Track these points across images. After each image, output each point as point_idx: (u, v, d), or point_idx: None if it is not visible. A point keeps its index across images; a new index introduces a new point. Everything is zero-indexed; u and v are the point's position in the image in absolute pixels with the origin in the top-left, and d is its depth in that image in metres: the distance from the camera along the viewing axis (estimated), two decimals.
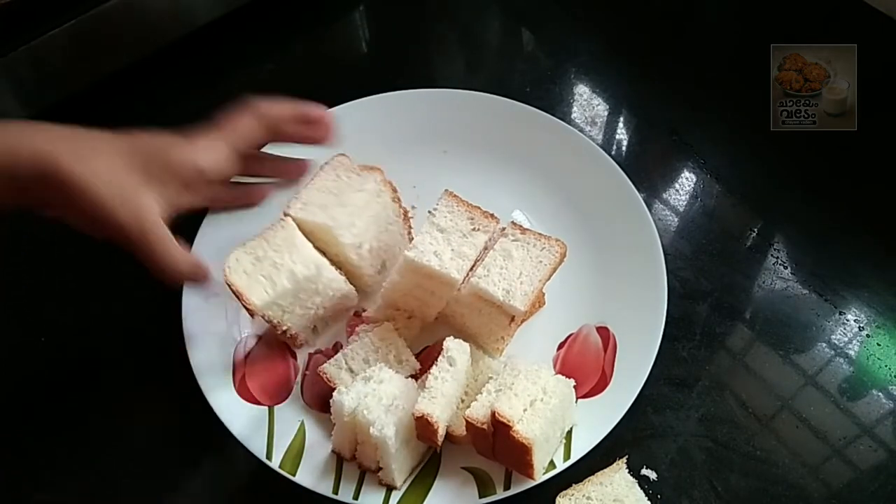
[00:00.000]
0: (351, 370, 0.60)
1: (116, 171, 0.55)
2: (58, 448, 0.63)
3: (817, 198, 0.79)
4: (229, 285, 0.60)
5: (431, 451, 0.59)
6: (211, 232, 0.70)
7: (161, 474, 0.61)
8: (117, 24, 0.77)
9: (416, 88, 0.83)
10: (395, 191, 0.72)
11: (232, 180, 0.68)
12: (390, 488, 0.57)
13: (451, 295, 0.62)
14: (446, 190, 0.65)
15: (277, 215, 0.65)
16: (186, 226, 0.70)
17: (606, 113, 0.87)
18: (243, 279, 0.60)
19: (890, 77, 0.85)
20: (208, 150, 0.61)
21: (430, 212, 0.64)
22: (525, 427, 0.52)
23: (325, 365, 0.61)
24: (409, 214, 0.74)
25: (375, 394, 0.55)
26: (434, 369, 0.56)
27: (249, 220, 0.70)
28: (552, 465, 0.57)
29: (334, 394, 0.55)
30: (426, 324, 0.66)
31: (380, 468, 0.56)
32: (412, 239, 0.67)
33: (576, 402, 0.60)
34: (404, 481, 0.57)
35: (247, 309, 0.60)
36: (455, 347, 0.57)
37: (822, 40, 0.82)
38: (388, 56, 0.95)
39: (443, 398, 0.54)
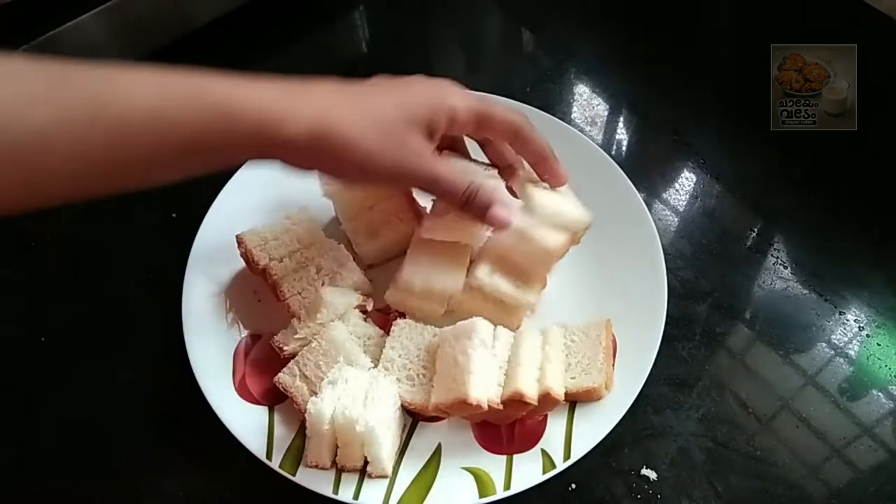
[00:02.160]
0: (305, 376, 0.60)
1: (384, 123, 0.51)
2: (58, 446, 0.63)
3: (817, 198, 0.79)
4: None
5: (407, 430, 0.60)
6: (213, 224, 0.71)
7: (161, 474, 0.61)
8: (117, 24, 0.77)
9: None
10: None
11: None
12: (389, 489, 0.57)
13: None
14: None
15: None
16: (185, 225, 0.70)
17: (606, 113, 0.87)
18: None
19: (890, 77, 0.85)
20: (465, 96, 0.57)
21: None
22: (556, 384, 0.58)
23: (279, 375, 0.60)
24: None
25: (347, 393, 0.56)
26: (472, 353, 0.57)
27: (250, 215, 0.70)
28: (552, 464, 0.57)
29: (309, 407, 0.55)
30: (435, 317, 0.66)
31: (366, 464, 0.57)
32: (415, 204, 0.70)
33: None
34: (393, 469, 0.58)
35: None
36: (484, 329, 0.58)
37: (822, 40, 0.82)
38: (388, 56, 0.95)
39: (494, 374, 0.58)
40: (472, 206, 0.55)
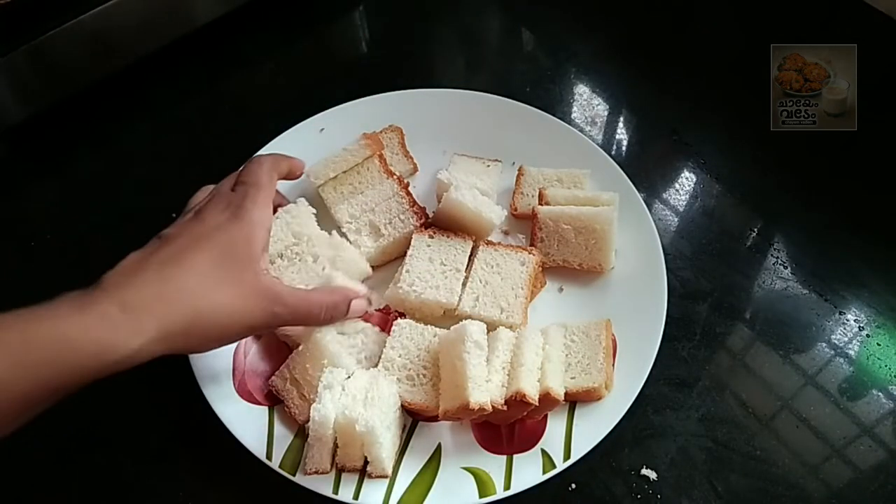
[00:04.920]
0: (294, 379, 0.60)
1: (222, 286, 0.51)
2: (58, 446, 0.63)
3: (817, 198, 0.79)
4: None
5: (407, 430, 0.61)
6: None
7: (161, 474, 0.61)
8: (117, 24, 0.77)
9: (416, 88, 0.83)
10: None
11: None
12: (389, 489, 0.57)
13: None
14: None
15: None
16: None
17: (606, 113, 0.87)
18: None
19: (890, 77, 0.85)
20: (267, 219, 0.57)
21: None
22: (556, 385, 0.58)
23: (273, 378, 0.61)
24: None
25: (347, 394, 0.56)
26: (467, 358, 0.57)
27: None
28: (552, 464, 0.58)
29: (312, 414, 0.55)
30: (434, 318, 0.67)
31: (366, 464, 0.57)
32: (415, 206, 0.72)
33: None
34: (393, 468, 0.58)
35: None
36: (476, 331, 0.58)
37: (822, 40, 0.82)
38: (388, 56, 0.95)
39: (487, 379, 0.57)
40: (335, 320, 0.59)
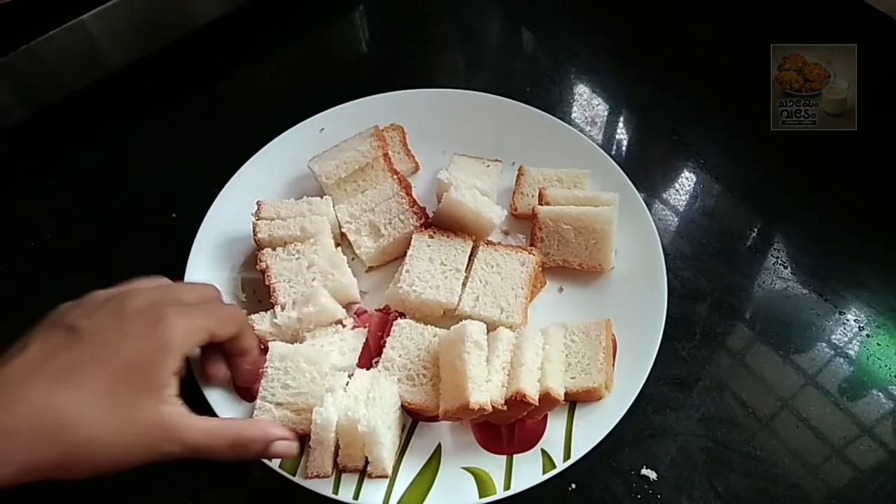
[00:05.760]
0: (279, 404, 0.58)
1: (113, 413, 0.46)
2: None
3: (817, 198, 0.79)
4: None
5: (407, 430, 0.60)
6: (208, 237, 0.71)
7: (161, 474, 0.61)
8: (117, 24, 0.77)
9: (416, 88, 0.83)
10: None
11: None
12: (389, 489, 0.57)
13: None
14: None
15: None
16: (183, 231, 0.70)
17: (606, 113, 0.87)
18: None
19: (890, 77, 0.85)
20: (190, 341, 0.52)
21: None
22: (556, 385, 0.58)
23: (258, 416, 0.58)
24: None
25: (348, 395, 0.56)
26: (467, 358, 0.56)
27: (250, 215, 0.70)
28: (552, 464, 0.57)
29: (315, 417, 0.55)
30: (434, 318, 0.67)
31: (366, 464, 0.57)
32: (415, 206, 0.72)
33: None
34: (393, 468, 0.58)
35: None
36: (476, 331, 0.58)
37: (822, 40, 0.82)
38: (388, 56, 0.95)
39: (487, 379, 0.57)
40: (245, 458, 0.53)
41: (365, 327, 0.66)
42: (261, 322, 0.63)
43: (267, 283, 0.65)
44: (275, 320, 0.62)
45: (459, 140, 0.79)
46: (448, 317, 0.66)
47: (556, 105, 0.87)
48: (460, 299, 0.65)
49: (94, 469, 0.46)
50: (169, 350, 0.49)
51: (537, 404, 0.57)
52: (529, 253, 0.68)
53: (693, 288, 0.71)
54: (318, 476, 0.56)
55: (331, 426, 0.55)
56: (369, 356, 0.65)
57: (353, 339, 0.64)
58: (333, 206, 0.72)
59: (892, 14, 0.89)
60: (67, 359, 0.46)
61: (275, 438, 0.53)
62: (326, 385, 0.58)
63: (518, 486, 0.57)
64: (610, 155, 0.76)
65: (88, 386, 0.46)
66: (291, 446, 0.54)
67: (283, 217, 0.69)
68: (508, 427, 0.60)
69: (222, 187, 0.73)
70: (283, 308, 0.63)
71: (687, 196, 0.79)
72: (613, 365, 0.63)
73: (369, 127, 0.76)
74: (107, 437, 0.46)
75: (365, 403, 0.56)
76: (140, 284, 0.55)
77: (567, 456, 0.58)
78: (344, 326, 0.65)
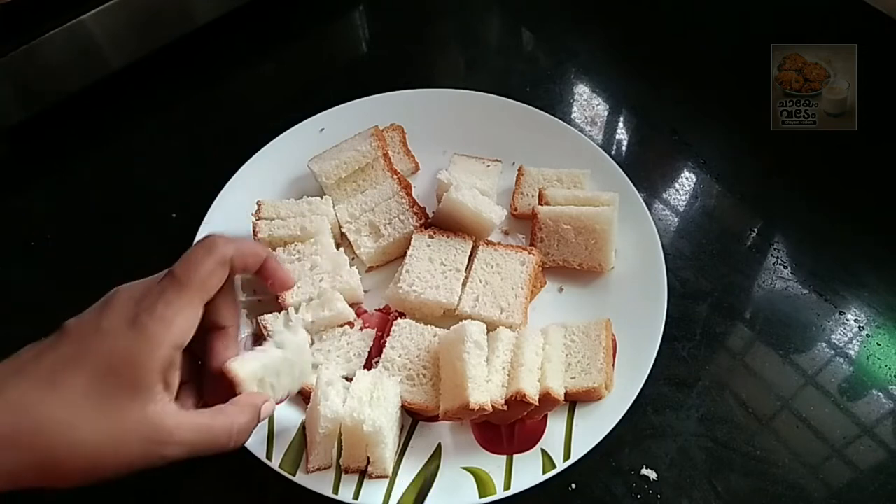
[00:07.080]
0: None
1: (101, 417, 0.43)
2: None
3: (817, 198, 0.79)
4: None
5: (407, 430, 0.60)
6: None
7: (161, 474, 0.61)
8: (117, 24, 0.77)
9: (416, 88, 0.83)
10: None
11: None
12: (389, 489, 0.57)
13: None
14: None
15: None
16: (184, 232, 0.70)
17: (606, 113, 0.87)
18: None
19: (890, 77, 0.85)
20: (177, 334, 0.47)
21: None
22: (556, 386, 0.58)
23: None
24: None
25: (352, 396, 0.56)
26: (467, 358, 0.56)
27: (249, 214, 0.70)
28: (552, 464, 0.57)
29: (322, 411, 0.55)
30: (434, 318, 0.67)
31: (368, 464, 0.57)
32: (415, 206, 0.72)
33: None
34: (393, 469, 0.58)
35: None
36: (476, 331, 0.58)
37: (822, 40, 0.82)
38: (388, 56, 0.95)
39: (487, 379, 0.57)
40: (245, 441, 0.49)
41: (373, 328, 0.66)
42: (273, 323, 0.63)
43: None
44: (290, 322, 0.62)
45: (459, 140, 0.79)
46: (448, 317, 0.66)
47: (556, 105, 0.87)
48: (460, 299, 0.65)
49: (85, 476, 0.43)
50: (154, 344, 0.44)
51: (537, 404, 0.57)
52: (529, 253, 0.68)
53: (693, 288, 0.71)
54: (319, 469, 0.56)
55: (338, 418, 0.55)
56: (370, 356, 0.65)
57: (359, 343, 0.64)
58: (333, 206, 0.72)
59: (892, 14, 0.89)
60: (51, 360, 0.43)
61: (262, 403, 0.50)
62: (325, 379, 0.57)
63: (518, 486, 0.57)
64: (610, 155, 0.76)
65: (69, 388, 0.42)
66: (271, 404, 0.52)
67: (283, 217, 0.69)
68: (508, 427, 0.60)
69: (222, 187, 0.73)
70: (296, 310, 0.64)
71: (687, 196, 0.79)
72: (613, 365, 0.63)
73: (369, 127, 0.76)
74: (90, 441, 0.42)
75: (369, 404, 0.56)
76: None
77: (567, 456, 0.58)
78: (352, 327, 0.65)
